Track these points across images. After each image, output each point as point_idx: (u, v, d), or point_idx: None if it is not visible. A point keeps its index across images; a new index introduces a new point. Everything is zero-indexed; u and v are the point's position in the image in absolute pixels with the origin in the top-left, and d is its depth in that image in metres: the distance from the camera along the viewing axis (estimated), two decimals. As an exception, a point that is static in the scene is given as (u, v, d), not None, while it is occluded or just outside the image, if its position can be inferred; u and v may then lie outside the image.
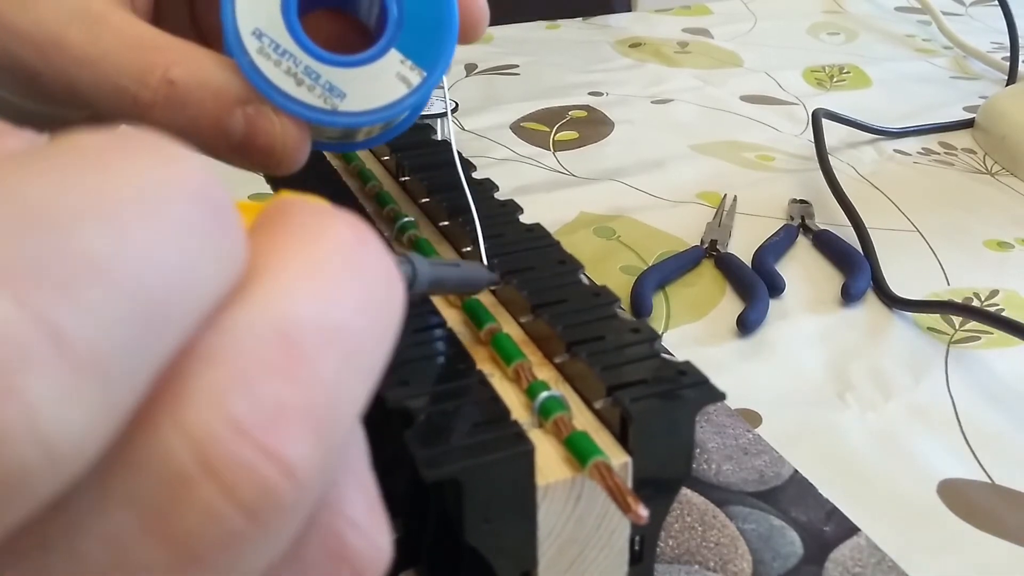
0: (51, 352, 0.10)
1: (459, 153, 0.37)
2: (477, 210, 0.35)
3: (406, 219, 0.36)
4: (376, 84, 0.29)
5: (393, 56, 0.29)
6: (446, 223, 0.36)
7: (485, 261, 0.32)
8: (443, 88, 0.32)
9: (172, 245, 0.12)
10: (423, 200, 0.38)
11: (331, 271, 0.14)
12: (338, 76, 0.28)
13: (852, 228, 0.56)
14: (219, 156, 0.28)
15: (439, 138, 0.42)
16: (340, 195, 0.39)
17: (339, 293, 0.14)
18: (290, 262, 0.14)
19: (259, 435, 0.12)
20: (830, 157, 0.63)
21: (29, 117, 0.30)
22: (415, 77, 0.29)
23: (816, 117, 0.67)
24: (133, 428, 0.12)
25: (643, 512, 0.22)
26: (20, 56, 0.28)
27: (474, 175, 0.38)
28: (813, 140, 0.65)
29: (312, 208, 0.15)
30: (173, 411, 0.12)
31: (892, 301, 0.49)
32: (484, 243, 0.33)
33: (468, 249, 0.34)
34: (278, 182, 0.33)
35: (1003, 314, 0.49)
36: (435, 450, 0.23)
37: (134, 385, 0.12)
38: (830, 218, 0.59)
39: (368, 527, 0.15)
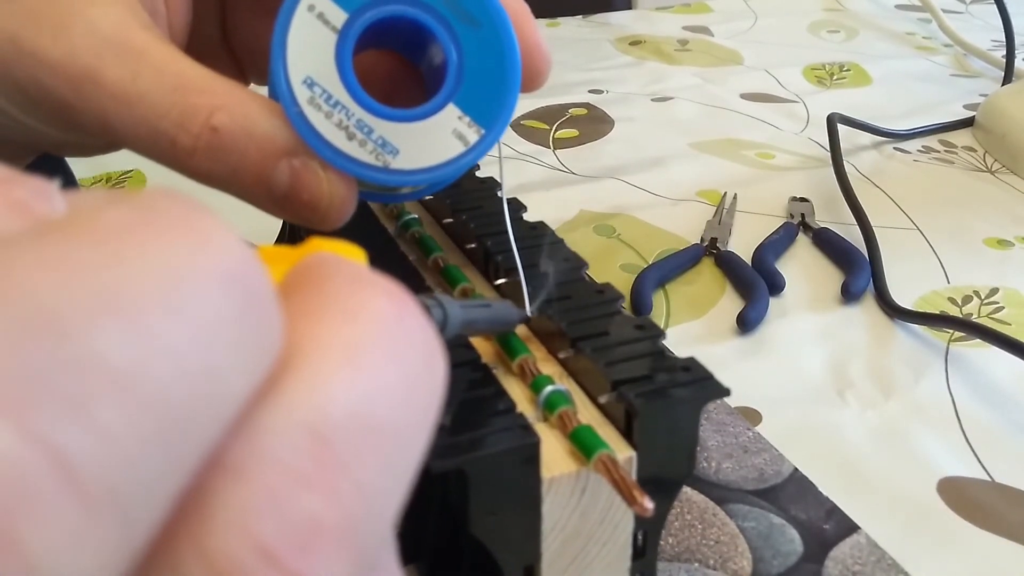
0: (59, 487, 0.09)
1: (511, 203, 0.35)
2: (480, 207, 0.35)
3: (409, 216, 0.37)
4: (431, 141, 0.27)
5: (451, 111, 0.27)
6: (449, 220, 0.36)
7: (524, 286, 0.30)
8: (499, 147, 0.29)
9: (202, 346, 0.10)
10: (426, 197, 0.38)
11: (372, 356, 0.12)
12: (392, 131, 0.26)
13: (857, 227, 0.56)
14: (259, 206, 0.27)
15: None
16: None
17: (380, 382, 0.12)
18: (327, 346, 0.12)
19: (290, 561, 0.11)
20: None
21: (49, 143, 0.29)
22: (473, 135, 0.27)
23: (832, 122, 0.66)
24: (150, 556, 0.10)
25: (648, 504, 0.22)
26: (51, 88, 0.25)
27: (477, 174, 0.38)
28: (828, 145, 0.64)
29: (348, 273, 0.13)
30: (195, 536, 0.10)
31: (893, 311, 0.49)
32: (489, 242, 0.33)
33: (472, 246, 0.34)
34: None
35: (1002, 313, 0.49)
36: (441, 441, 0.23)
37: (154, 514, 0.10)
38: (830, 216, 0.59)
39: None
